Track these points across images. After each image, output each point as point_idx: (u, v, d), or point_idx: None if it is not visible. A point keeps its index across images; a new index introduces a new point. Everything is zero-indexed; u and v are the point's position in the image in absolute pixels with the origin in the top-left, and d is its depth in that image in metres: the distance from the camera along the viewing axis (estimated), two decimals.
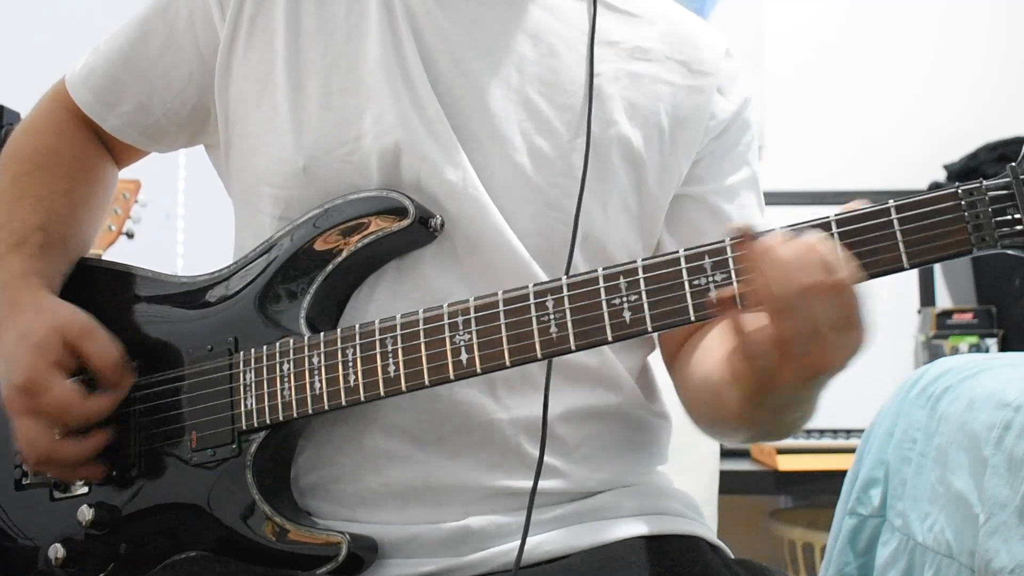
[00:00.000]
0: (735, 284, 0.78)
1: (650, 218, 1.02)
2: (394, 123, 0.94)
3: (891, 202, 0.76)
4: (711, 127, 1.03)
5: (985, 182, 0.75)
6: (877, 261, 0.77)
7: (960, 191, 0.75)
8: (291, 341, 0.92)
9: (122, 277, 1.04)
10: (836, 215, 0.76)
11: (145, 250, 1.98)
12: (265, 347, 0.93)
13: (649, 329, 0.81)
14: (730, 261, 0.79)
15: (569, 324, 0.83)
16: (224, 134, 1.02)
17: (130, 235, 2.01)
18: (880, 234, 0.75)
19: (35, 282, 0.99)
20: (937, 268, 2.75)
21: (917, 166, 2.70)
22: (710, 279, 0.79)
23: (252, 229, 1.01)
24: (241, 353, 0.94)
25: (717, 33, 1.09)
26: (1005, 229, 0.74)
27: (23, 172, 1.06)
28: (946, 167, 2.70)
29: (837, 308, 0.73)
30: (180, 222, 2.91)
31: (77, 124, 1.09)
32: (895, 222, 0.75)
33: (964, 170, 2.62)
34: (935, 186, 2.48)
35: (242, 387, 0.93)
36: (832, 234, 0.77)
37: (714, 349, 0.93)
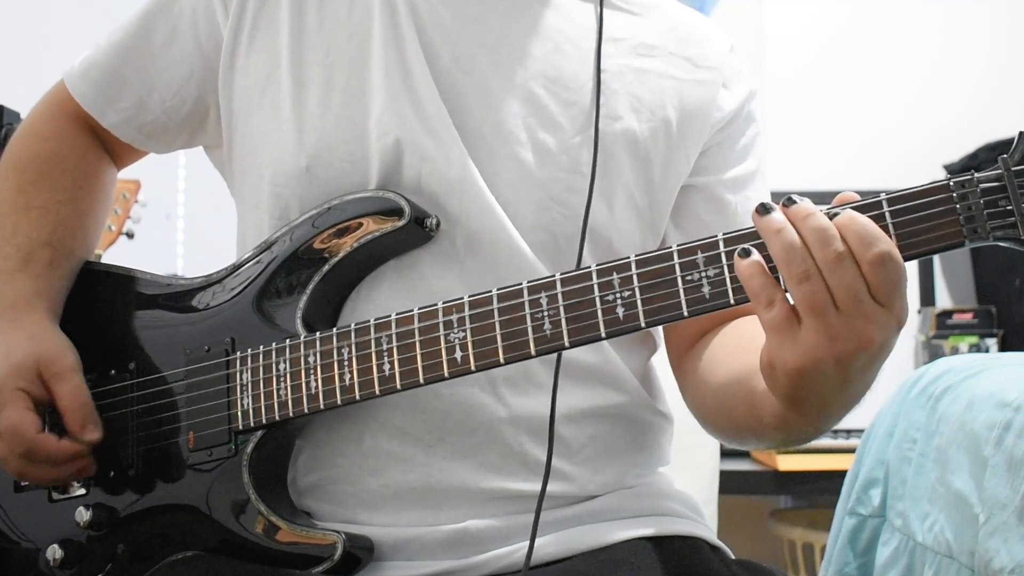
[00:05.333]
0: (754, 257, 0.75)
1: (658, 213, 1.02)
2: (395, 122, 0.94)
3: (883, 195, 0.75)
4: (717, 119, 1.03)
5: (977, 174, 0.74)
6: None
7: (952, 183, 0.74)
8: (287, 340, 0.92)
9: (120, 279, 1.04)
10: (827, 208, 0.75)
11: (145, 250, 1.99)
12: (262, 347, 0.93)
13: (642, 325, 0.81)
14: (723, 256, 0.78)
15: (563, 320, 0.83)
16: (227, 133, 1.02)
17: (130, 235, 2.01)
18: None
19: (41, 307, 1.00)
20: (937, 268, 2.75)
21: (917, 166, 2.69)
22: (703, 274, 0.79)
23: (253, 228, 1.00)
24: (238, 353, 0.94)
25: (720, 32, 1.09)
26: (997, 221, 0.73)
27: (26, 181, 1.05)
28: (946, 167, 2.69)
29: (883, 277, 0.71)
30: (180, 222, 2.91)
31: (77, 128, 1.08)
32: (887, 215, 0.75)
33: (964, 170, 2.60)
34: None
35: (239, 387, 0.93)
36: None
37: (748, 350, 0.89)
